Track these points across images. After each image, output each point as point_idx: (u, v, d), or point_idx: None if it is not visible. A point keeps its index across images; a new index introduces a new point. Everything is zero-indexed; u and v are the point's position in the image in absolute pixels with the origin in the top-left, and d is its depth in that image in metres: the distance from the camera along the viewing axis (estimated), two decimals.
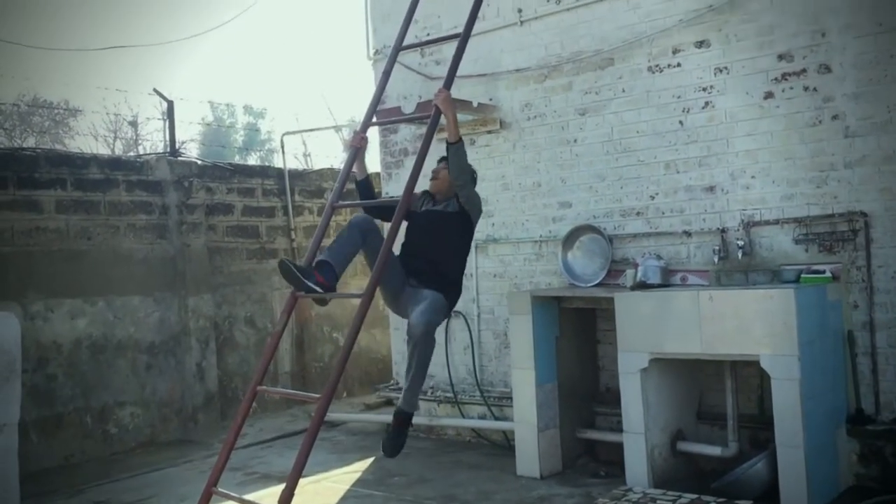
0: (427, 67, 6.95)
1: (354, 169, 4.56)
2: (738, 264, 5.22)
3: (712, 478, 4.89)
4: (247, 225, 8.43)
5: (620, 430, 5.10)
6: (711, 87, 5.43)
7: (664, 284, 5.31)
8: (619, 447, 5.14)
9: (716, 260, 5.30)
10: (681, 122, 5.57)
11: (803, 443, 4.29)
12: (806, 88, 5.05)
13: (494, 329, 6.63)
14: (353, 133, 4.66)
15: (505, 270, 6.56)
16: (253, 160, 24.77)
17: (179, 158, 8.06)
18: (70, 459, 6.76)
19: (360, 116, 5.30)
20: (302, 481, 3.53)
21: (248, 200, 8.46)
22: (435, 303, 4.19)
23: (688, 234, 5.55)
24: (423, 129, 4.86)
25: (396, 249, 4.22)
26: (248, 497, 3.94)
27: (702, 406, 5.44)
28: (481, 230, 6.64)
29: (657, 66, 5.68)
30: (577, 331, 5.89)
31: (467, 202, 4.44)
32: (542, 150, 6.30)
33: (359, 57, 8.43)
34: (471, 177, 4.53)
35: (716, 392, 5.29)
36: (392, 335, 7.45)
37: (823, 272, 4.86)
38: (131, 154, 17.18)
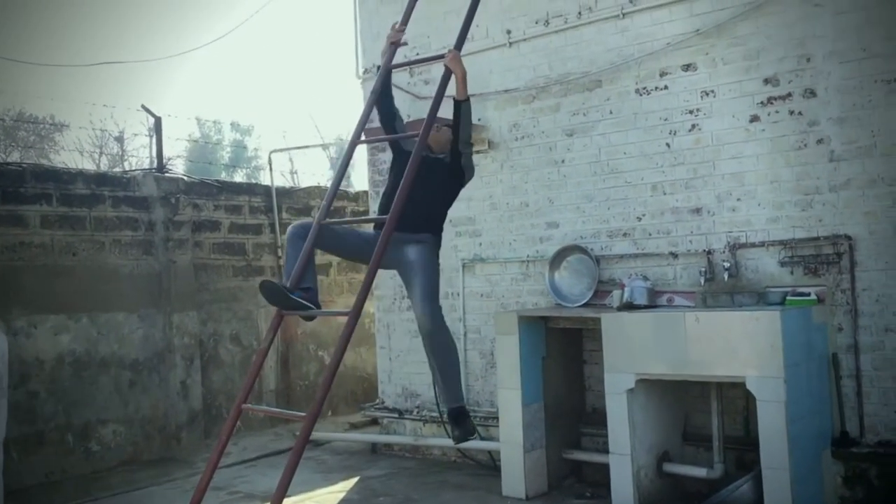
0: (416, 87, 6.98)
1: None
2: (724, 286, 5.25)
3: (698, 499, 4.88)
4: (233, 242, 8.40)
5: (606, 451, 5.09)
6: (698, 109, 5.48)
7: (651, 305, 5.32)
8: (605, 468, 5.13)
9: (702, 281, 5.32)
10: (668, 145, 5.61)
11: (789, 465, 4.29)
12: (791, 112, 5.10)
13: (481, 349, 6.62)
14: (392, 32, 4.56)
15: (492, 290, 6.56)
16: (239, 177, 24.74)
17: (166, 175, 8.04)
18: (51, 477, 6.68)
19: (347, 135, 5.32)
20: (286, 501, 3.49)
21: (235, 217, 8.44)
22: (428, 282, 4.12)
23: (674, 255, 5.58)
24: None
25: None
26: None
27: (688, 427, 5.44)
28: (468, 249, 6.67)
29: (644, 88, 5.73)
30: (563, 351, 5.89)
31: (467, 162, 4.39)
32: (529, 171, 6.33)
33: (348, 76, 8.47)
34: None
35: (702, 413, 5.30)
36: (378, 354, 7.42)
37: (808, 295, 4.89)
38: (117, 169, 17.12)
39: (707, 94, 5.44)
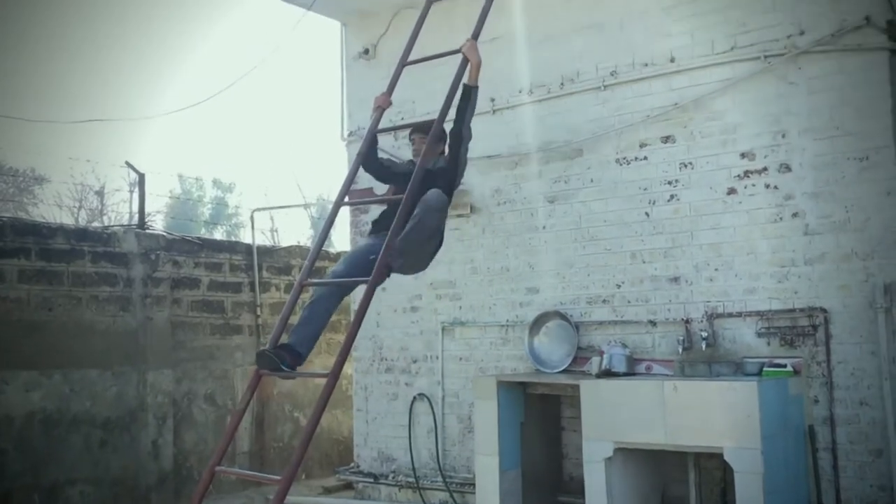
0: (400, 150, 7.07)
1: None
2: (701, 355, 5.28)
3: None
4: (212, 300, 8.35)
5: None
6: (677, 180, 5.59)
7: (629, 373, 5.34)
8: None
9: (680, 350, 5.35)
10: (647, 214, 5.70)
11: None
12: (767, 186, 5.22)
13: (459, 413, 6.58)
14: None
15: (471, 354, 6.55)
16: (219, 234, 24.70)
17: (147, 231, 8.03)
18: None
19: (329, 195, 5.38)
20: None
21: (215, 275, 8.41)
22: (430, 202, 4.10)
23: (653, 323, 5.62)
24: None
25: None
26: None
27: (665, 498, 5.40)
28: (448, 312, 6.67)
29: (625, 158, 5.84)
30: (542, 417, 5.87)
31: (465, 149, 4.55)
32: (511, 236, 6.39)
33: (332, 138, 8.57)
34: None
35: (679, 483, 5.27)
36: (355, 416, 7.34)
37: (785, 366, 4.94)
38: (96, 224, 17.05)
39: (685, 166, 5.56)
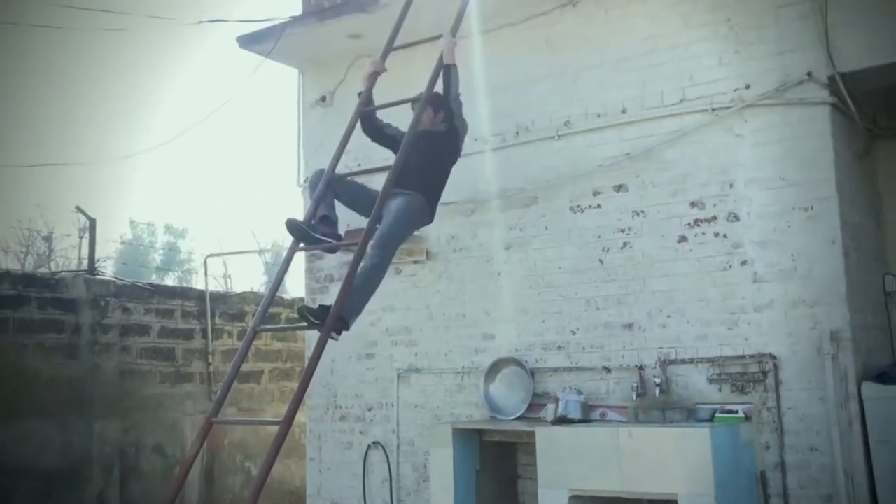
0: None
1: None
2: (655, 401, 5.32)
3: None
4: (163, 347, 8.20)
5: None
6: (629, 228, 5.68)
7: (585, 420, 5.35)
8: None
9: (634, 396, 5.38)
10: (601, 261, 5.77)
11: None
12: (717, 235, 5.34)
13: (414, 461, 6.50)
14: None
15: (426, 401, 6.50)
16: (171, 280, 24.34)
17: (97, 277, 7.89)
18: None
19: (285, 241, 5.36)
20: None
21: (166, 322, 8.27)
22: (390, 229, 4.72)
23: (607, 369, 5.65)
24: (350, 257, 4.92)
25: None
26: None
27: None
28: (404, 359, 6.63)
29: (579, 206, 5.93)
30: (497, 465, 5.83)
31: (459, 115, 5.27)
32: (466, 282, 6.41)
33: (288, 184, 8.56)
34: None
35: None
36: (308, 466, 7.21)
37: (736, 412, 4.99)
38: (43, 269, 16.68)
39: (637, 214, 5.66)
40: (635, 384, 5.41)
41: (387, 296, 6.74)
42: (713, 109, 5.41)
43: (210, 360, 8.59)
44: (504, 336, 6.16)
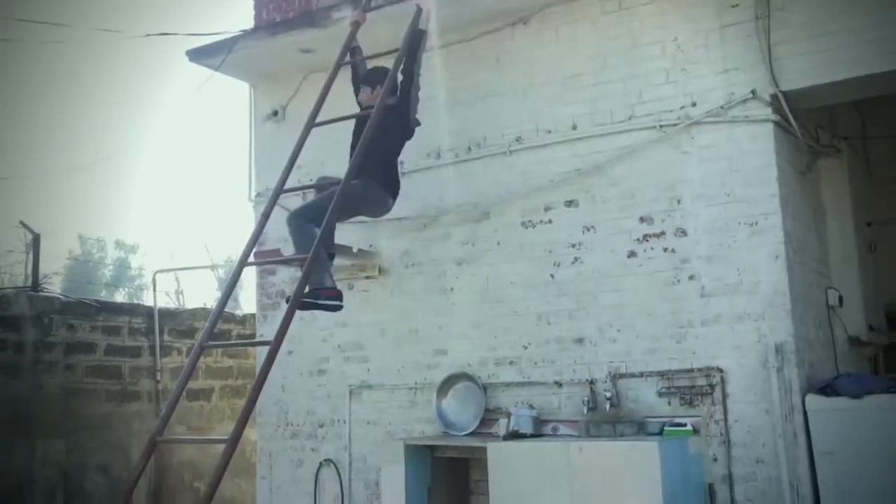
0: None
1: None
2: (606, 415, 5.34)
3: None
4: (109, 365, 8.02)
5: None
6: (580, 243, 5.73)
7: (536, 434, 5.35)
8: None
9: (585, 410, 5.40)
10: (552, 276, 5.80)
11: None
12: (665, 249, 5.41)
13: (366, 479, 6.43)
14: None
15: (379, 417, 6.45)
16: (121, 296, 23.88)
17: (41, 293, 7.70)
18: None
19: (237, 256, 5.29)
20: None
21: (113, 339, 8.09)
22: (317, 199, 5.20)
23: (559, 384, 5.67)
24: (300, 272, 4.88)
25: None
26: None
27: None
28: (356, 375, 6.58)
29: (530, 221, 5.96)
30: (450, 481, 5.80)
31: (414, 93, 5.46)
32: (419, 298, 6.39)
33: (240, 199, 8.47)
34: None
35: None
36: (258, 485, 7.09)
37: (685, 425, 5.05)
38: None
39: (588, 229, 5.71)
40: (586, 398, 5.44)
41: (339, 311, 6.70)
42: (661, 126, 5.49)
43: (158, 377, 8.42)
44: (457, 351, 6.15)
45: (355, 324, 6.60)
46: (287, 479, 6.83)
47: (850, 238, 6.23)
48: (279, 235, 6.92)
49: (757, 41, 5.25)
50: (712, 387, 5.12)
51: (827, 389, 4.99)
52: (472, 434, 5.77)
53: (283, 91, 7.23)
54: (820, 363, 5.48)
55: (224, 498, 8.52)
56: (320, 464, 6.64)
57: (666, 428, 5.05)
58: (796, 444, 4.94)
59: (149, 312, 8.59)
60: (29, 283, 8.10)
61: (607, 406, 5.34)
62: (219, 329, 8.79)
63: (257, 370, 6.58)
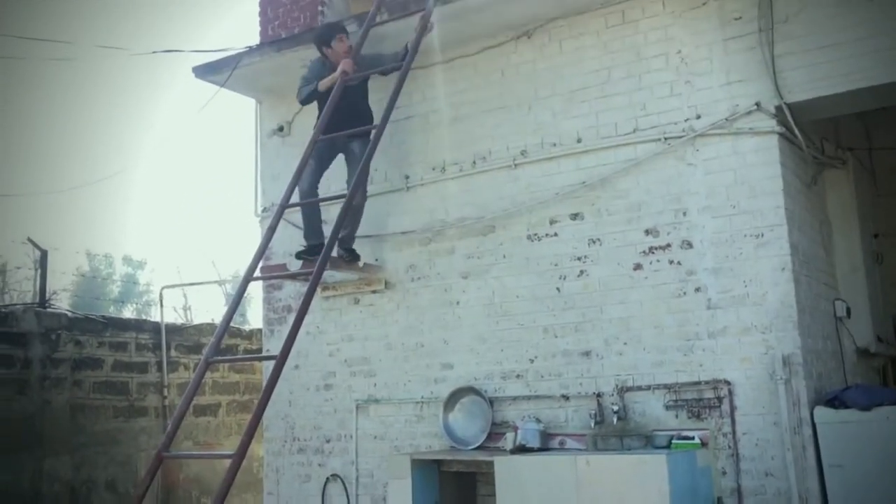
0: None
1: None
2: (613, 429, 5.32)
3: None
4: (116, 381, 8.03)
5: None
6: (586, 256, 5.72)
7: (543, 448, 5.34)
8: None
9: (592, 424, 5.39)
10: (558, 289, 5.80)
11: None
12: (671, 262, 5.40)
13: (373, 494, 6.42)
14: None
15: (386, 432, 6.44)
16: (129, 312, 23.91)
17: (48, 310, 7.72)
18: None
19: (244, 270, 5.30)
20: None
21: (120, 355, 8.11)
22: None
23: (566, 397, 5.66)
24: (306, 287, 4.89)
25: None
26: None
27: None
28: (362, 390, 6.58)
29: (536, 234, 5.97)
30: (457, 496, 5.78)
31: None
32: (425, 311, 6.39)
33: (247, 214, 8.50)
34: None
35: None
36: (265, 501, 7.07)
37: (693, 438, 5.02)
38: None
39: (594, 242, 5.71)
40: (593, 412, 5.42)
41: (345, 326, 6.71)
42: (665, 139, 5.50)
43: (165, 393, 8.43)
44: (463, 365, 6.14)
45: (362, 338, 6.60)
46: (294, 494, 6.82)
47: (857, 249, 6.22)
48: (285, 250, 6.95)
49: (760, 53, 5.27)
50: (720, 399, 5.10)
51: (835, 401, 4.97)
52: (479, 448, 5.75)
53: (288, 106, 7.26)
54: (828, 375, 5.46)
55: None
56: (327, 479, 6.63)
57: (674, 441, 5.03)
58: (805, 456, 4.91)
59: (155, 328, 8.60)
60: (37, 299, 8.12)
61: (614, 419, 5.32)
62: (225, 344, 8.81)
63: (264, 385, 6.59)
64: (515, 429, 5.49)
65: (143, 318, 12.88)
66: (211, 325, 9.43)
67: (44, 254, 8.26)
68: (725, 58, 5.40)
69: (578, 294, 5.72)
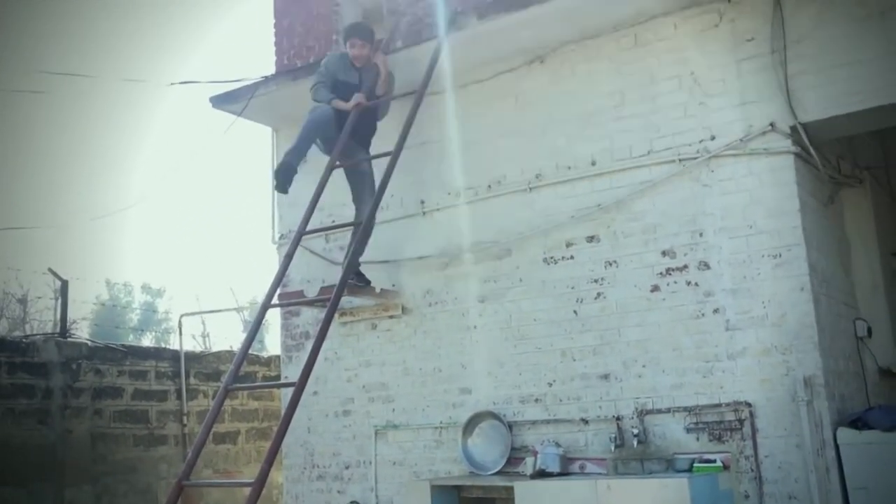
0: (331, 253, 7.08)
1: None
2: (633, 452, 5.29)
3: None
4: (136, 409, 8.07)
5: None
6: (602, 279, 5.71)
7: (563, 473, 5.30)
8: None
9: (612, 448, 5.35)
10: (575, 312, 5.79)
11: None
12: (688, 283, 5.38)
13: None
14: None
15: (405, 458, 6.42)
16: (148, 340, 24.06)
17: (69, 339, 7.79)
18: None
19: (262, 298, 5.34)
20: None
21: (140, 383, 8.15)
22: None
23: (585, 421, 5.62)
24: (323, 313, 4.92)
25: None
26: None
27: None
28: (381, 415, 6.56)
29: (552, 257, 5.96)
30: None
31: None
32: (442, 336, 6.39)
33: (264, 241, 8.55)
34: None
35: None
36: None
37: (714, 461, 4.97)
38: (17, 333, 16.47)
39: (610, 265, 5.70)
40: (613, 435, 5.38)
41: (363, 351, 6.72)
42: (680, 160, 5.50)
43: (185, 421, 8.45)
44: (481, 390, 6.12)
45: (379, 363, 6.61)
46: None
47: (877, 268, 6.18)
48: (302, 277, 7.00)
49: (774, 74, 5.27)
50: (741, 422, 5.05)
51: (858, 422, 4.91)
52: (498, 473, 5.72)
53: None
54: (850, 395, 5.40)
55: None
56: None
57: (695, 464, 4.98)
58: (829, 479, 4.85)
59: (175, 356, 8.65)
60: (57, 329, 8.19)
61: (634, 443, 5.28)
62: (244, 371, 8.83)
63: (283, 412, 6.60)
64: (535, 453, 5.46)
65: (163, 346, 12.95)
66: (230, 353, 9.46)
67: (64, 284, 8.35)
68: (739, 79, 5.41)
69: (596, 317, 5.70)
